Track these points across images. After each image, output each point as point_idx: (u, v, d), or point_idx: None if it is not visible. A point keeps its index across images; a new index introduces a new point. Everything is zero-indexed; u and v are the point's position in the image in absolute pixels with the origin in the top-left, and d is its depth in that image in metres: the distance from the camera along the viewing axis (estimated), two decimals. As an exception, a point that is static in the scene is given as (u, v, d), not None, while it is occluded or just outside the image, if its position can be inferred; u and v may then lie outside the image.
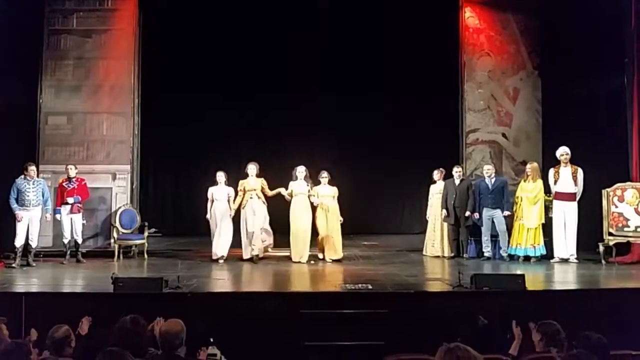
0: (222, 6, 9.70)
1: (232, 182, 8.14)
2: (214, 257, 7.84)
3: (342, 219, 8.03)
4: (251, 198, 7.87)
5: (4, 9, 8.16)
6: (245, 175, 7.99)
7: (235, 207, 7.94)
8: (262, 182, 8.02)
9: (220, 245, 7.86)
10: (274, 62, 10.16)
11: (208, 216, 8.05)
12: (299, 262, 7.68)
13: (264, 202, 7.94)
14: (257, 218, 7.83)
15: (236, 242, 8.00)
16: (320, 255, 7.99)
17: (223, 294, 5.85)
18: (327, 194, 8.06)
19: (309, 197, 7.92)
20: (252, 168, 7.99)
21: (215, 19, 9.82)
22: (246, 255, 7.84)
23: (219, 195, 8.01)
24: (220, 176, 8.07)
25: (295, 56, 10.15)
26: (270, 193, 8.00)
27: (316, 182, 8.08)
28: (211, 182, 8.15)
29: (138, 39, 9.19)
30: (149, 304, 5.03)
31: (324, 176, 8.09)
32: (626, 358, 3.14)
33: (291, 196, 7.94)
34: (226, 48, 10.07)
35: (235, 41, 10.03)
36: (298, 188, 7.94)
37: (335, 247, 7.94)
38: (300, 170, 7.99)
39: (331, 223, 7.95)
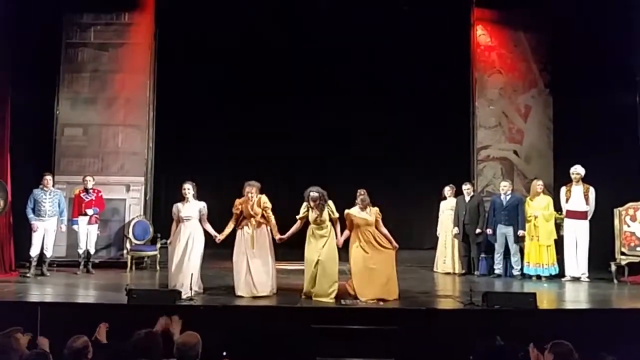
0: (238, 20, 9.80)
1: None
2: (185, 296, 5.91)
3: (397, 245, 6.40)
4: (248, 226, 6.35)
5: (23, 22, 8.35)
6: (241, 195, 6.45)
7: (227, 232, 6.39)
8: (264, 203, 6.40)
9: (185, 277, 6.10)
10: (292, 75, 10.23)
11: (169, 241, 6.48)
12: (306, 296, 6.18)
13: (265, 225, 6.40)
14: (257, 251, 6.30)
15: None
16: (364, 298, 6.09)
17: (236, 308, 5.87)
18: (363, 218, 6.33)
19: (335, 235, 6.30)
20: (251, 191, 6.34)
21: (231, 33, 9.93)
22: (240, 292, 6.22)
23: (188, 212, 6.40)
24: (188, 189, 6.46)
25: (310, 72, 10.22)
26: (272, 223, 6.41)
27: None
28: (225, 194, 7.37)
29: (154, 53, 9.35)
30: (162, 315, 5.08)
31: (361, 196, 6.50)
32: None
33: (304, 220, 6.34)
34: (242, 62, 10.15)
35: (252, 54, 10.11)
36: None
37: (386, 285, 6.18)
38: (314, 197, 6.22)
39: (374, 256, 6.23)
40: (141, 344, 3.38)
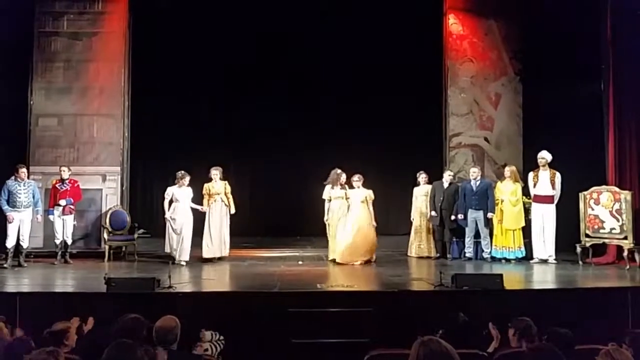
0: (213, 8, 9.80)
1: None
2: (178, 261, 7.73)
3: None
4: (215, 201, 8.14)
5: (-6, 12, 8.25)
6: (209, 179, 8.18)
7: (206, 204, 8.13)
8: (225, 185, 8.24)
9: (185, 249, 7.87)
10: (264, 65, 10.29)
11: (168, 216, 7.93)
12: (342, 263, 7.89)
13: (226, 205, 8.19)
14: (220, 221, 8.11)
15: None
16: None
17: (213, 294, 6.01)
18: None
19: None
20: (215, 173, 8.18)
21: (206, 22, 9.92)
22: (207, 254, 8.01)
23: (182, 196, 7.98)
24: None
25: (283, 59, 10.29)
26: (230, 201, 8.21)
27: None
28: (201, 184, 8.21)
29: (128, 42, 9.28)
30: (142, 303, 5.19)
31: (356, 179, 8.37)
32: (589, 352, 3.36)
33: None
34: (217, 51, 10.16)
35: (226, 44, 10.12)
36: (336, 193, 8.28)
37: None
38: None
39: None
40: (126, 326, 3.49)
